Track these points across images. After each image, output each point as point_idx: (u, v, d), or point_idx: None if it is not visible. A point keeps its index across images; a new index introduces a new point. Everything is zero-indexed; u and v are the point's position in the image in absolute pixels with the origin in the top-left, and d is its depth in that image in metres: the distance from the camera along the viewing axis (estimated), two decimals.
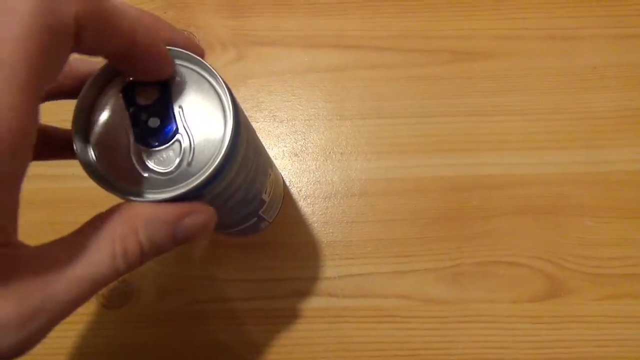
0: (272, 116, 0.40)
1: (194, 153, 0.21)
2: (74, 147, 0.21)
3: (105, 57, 0.19)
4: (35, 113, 0.16)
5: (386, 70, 0.41)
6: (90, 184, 0.20)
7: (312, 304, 0.36)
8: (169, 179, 0.21)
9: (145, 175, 0.21)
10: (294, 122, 0.40)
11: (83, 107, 0.21)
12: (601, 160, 0.38)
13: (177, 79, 0.22)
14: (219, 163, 0.21)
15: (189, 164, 0.21)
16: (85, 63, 0.22)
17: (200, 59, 0.22)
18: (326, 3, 0.42)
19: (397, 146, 0.39)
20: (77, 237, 0.18)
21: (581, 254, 0.36)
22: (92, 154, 0.21)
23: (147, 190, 0.21)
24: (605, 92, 0.39)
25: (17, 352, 0.17)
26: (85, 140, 0.21)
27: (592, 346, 0.35)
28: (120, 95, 0.22)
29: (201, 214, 0.21)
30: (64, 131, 0.23)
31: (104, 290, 0.37)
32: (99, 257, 0.18)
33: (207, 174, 0.20)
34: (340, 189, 0.38)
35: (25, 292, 0.16)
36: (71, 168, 0.38)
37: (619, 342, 0.35)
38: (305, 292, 0.37)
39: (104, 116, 0.22)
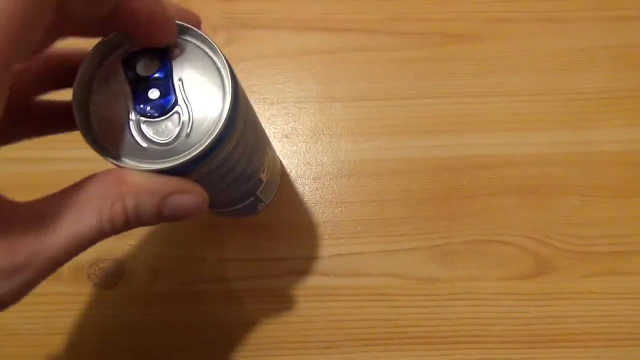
0: (263, 98, 0.40)
1: (192, 124, 0.21)
2: (75, 117, 0.21)
3: (100, 21, 0.19)
4: (6, 73, 0.16)
5: (376, 53, 0.41)
6: (78, 166, 0.20)
7: (304, 283, 0.37)
8: (168, 150, 0.21)
9: (144, 145, 0.21)
10: (284, 105, 0.40)
11: (83, 78, 0.21)
12: (588, 141, 0.38)
13: (177, 51, 0.22)
14: (217, 134, 0.21)
15: (188, 135, 0.21)
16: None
17: (201, 32, 0.22)
18: None
19: (387, 127, 0.39)
20: (67, 195, 0.19)
21: (568, 232, 0.37)
22: (93, 123, 0.21)
23: (145, 160, 0.21)
24: (593, 73, 0.40)
25: (3, 303, 0.17)
26: (86, 110, 0.21)
27: (579, 322, 0.36)
28: (121, 66, 0.22)
29: (192, 195, 0.21)
30: (64, 104, 0.23)
31: (95, 269, 0.37)
32: (86, 217, 0.18)
33: (205, 144, 0.21)
34: (330, 170, 0.39)
35: (15, 245, 0.17)
36: (57, 151, 0.39)
37: (604, 317, 0.36)
38: (296, 272, 0.37)
39: (104, 87, 0.22)
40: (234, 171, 0.26)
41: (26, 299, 0.36)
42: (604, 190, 0.38)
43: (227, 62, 0.22)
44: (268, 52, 0.41)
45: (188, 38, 0.22)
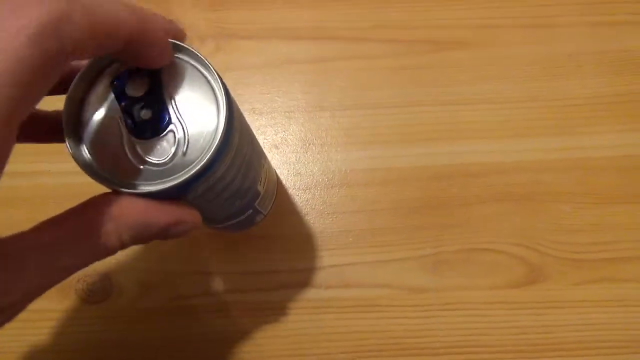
0: (252, 109, 0.40)
1: (188, 143, 0.21)
2: (66, 143, 0.20)
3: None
4: (11, 141, 0.15)
5: (365, 61, 0.41)
6: (70, 179, 0.20)
7: (295, 295, 0.36)
8: (165, 170, 0.21)
9: (141, 167, 0.21)
10: (273, 115, 0.40)
11: (73, 100, 0.21)
12: (577, 147, 0.38)
13: (168, 69, 0.22)
14: (215, 149, 0.21)
15: (184, 153, 0.21)
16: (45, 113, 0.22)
17: (193, 49, 0.22)
18: None
19: (377, 136, 0.39)
20: (61, 226, 0.18)
21: (559, 239, 0.37)
22: (84, 148, 0.21)
23: (142, 182, 0.21)
24: (581, 79, 0.40)
25: None
26: (77, 134, 0.21)
27: (571, 330, 0.35)
28: (111, 88, 0.22)
29: (187, 223, 0.21)
30: (55, 114, 0.23)
31: (83, 285, 0.36)
32: (80, 250, 0.18)
33: (204, 161, 0.20)
34: (320, 180, 0.39)
35: (14, 281, 0.17)
36: (49, 164, 0.38)
37: (597, 326, 0.35)
38: (287, 284, 0.37)
39: (95, 109, 0.21)
40: (232, 185, 0.25)
41: None
42: (594, 196, 0.38)
43: (220, 77, 0.22)
44: (256, 61, 0.41)
45: (179, 55, 0.22)
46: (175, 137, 0.21)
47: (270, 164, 0.36)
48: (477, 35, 0.41)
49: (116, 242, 0.19)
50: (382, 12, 0.42)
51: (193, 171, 0.20)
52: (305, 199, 0.38)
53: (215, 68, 0.22)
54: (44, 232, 0.18)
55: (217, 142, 0.21)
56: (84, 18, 0.16)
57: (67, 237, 0.18)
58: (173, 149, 0.21)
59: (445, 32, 0.41)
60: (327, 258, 0.37)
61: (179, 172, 0.21)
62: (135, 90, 0.21)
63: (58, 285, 0.36)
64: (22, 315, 0.36)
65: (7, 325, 0.35)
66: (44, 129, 0.23)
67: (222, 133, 0.21)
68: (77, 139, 0.21)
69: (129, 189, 0.20)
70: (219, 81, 0.21)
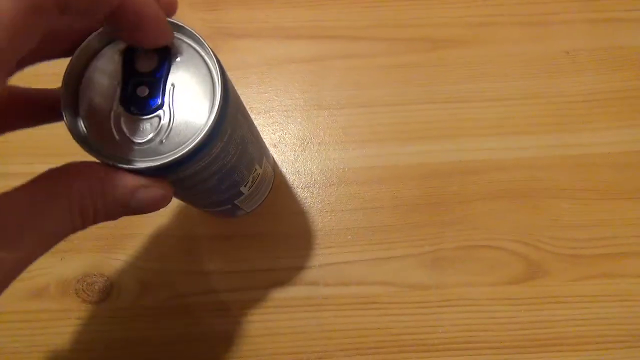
0: (249, 108, 0.40)
1: (170, 132, 0.21)
2: (63, 115, 0.21)
3: (98, 21, 0.20)
4: (31, 30, 0.16)
5: (363, 60, 0.41)
6: None
7: (294, 293, 0.36)
8: (137, 150, 0.21)
9: (117, 138, 0.21)
10: (271, 114, 0.40)
11: (72, 74, 0.21)
12: (575, 144, 0.39)
13: (179, 57, 0.22)
14: (187, 152, 0.20)
15: (161, 142, 0.21)
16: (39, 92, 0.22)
17: (209, 47, 0.22)
18: None
19: (375, 134, 0.39)
20: (36, 189, 0.18)
21: (558, 235, 0.37)
22: (80, 119, 0.21)
23: (114, 155, 0.21)
24: (578, 76, 0.40)
25: None
26: (74, 106, 0.21)
27: (571, 326, 0.35)
28: (120, 56, 0.22)
29: (157, 189, 0.21)
30: (51, 93, 0.23)
31: (83, 285, 0.36)
32: (57, 213, 0.18)
33: (172, 158, 0.20)
34: (319, 178, 0.39)
35: None
36: (45, 165, 0.38)
37: (596, 320, 0.35)
38: (286, 282, 0.37)
39: (97, 73, 0.22)
40: (206, 184, 0.25)
41: (13, 317, 0.36)
42: (592, 192, 0.38)
43: (224, 82, 0.22)
44: (253, 61, 0.41)
45: (194, 46, 0.22)
46: (159, 122, 0.21)
47: (270, 169, 0.36)
48: (474, 33, 0.41)
49: (90, 207, 0.19)
50: (378, 10, 0.42)
51: (159, 163, 0.20)
52: (304, 197, 0.38)
53: (225, 73, 0.22)
54: (22, 194, 0.18)
55: (193, 144, 0.21)
56: None
57: (46, 201, 0.18)
58: (152, 134, 0.21)
59: (442, 30, 0.41)
60: (326, 256, 0.37)
61: (148, 158, 0.21)
62: (143, 65, 0.22)
63: (58, 286, 0.36)
64: (20, 316, 0.36)
65: (7, 326, 0.35)
66: (43, 108, 0.23)
67: (202, 137, 0.21)
68: (74, 111, 0.21)
69: (98, 155, 0.21)
70: (221, 87, 0.21)
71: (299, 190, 0.38)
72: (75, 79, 0.21)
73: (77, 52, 0.21)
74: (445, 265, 0.37)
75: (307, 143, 0.39)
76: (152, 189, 0.21)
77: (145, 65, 0.22)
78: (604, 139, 0.39)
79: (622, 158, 0.38)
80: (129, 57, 0.22)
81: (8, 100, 0.22)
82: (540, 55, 0.41)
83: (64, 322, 0.36)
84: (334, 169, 0.39)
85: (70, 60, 0.21)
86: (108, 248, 0.37)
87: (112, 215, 0.21)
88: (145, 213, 0.21)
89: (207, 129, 0.21)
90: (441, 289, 0.36)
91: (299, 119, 0.40)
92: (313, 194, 0.38)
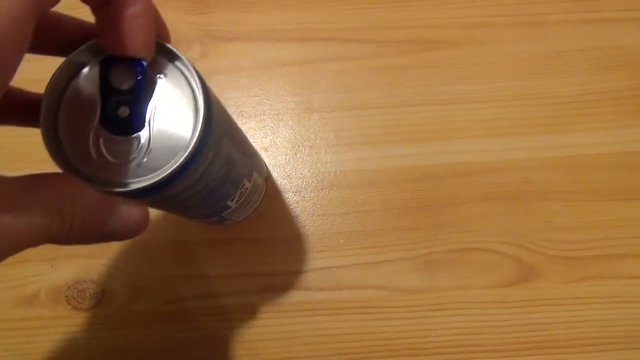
0: (240, 112, 0.40)
1: (148, 155, 0.21)
2: (41, 114, 0.20)
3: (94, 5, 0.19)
4: (30, 24, 0.16)
5: (353, 62, 0.41)
6: None
7: (286, 298, 0.36)
8: (114, 171, 0.20)
9: (94, 157, 0.21)
10: (262, 117, 0.40)
11: (56, 85, 0.21)
12: (567, 145, 0.38)
13: (163, 77, 0.21)
14: (164, 177, 0.20)
15: (139, 165, 0.20)
16: (76, 21, 0.22)
17: (193, 69, 0.21)
18: None
19: (366, 137, 0.39)
20: (13, 181, 0.17)
21: (550, 237, 0.37)
22: (56, 119, 0.21)
23: (90, 175, 0.20)
24: (569, 76, 0.40)
25: None
26: (55, 105, 0.21)
27: (564, 328, 0.35)
28: (98, 69, 0.21)
29: (137, 208, 0.21)
30: (34, 95, 0.22)
31: (74, 292, 0.36)
32: (32, 207, 0.17)
33: (149, 182, 0.20)
34: (310, 182, 0.38)
35: None
36: (36, 172, 0.38)
37: (590, 322, 0.35)
38: (278, 287, 0.36)
39: (78, 90, 0.21)
40: (189, 201, 0.25)
41: (3, 325, 0.36)
42: (585, 194, 0.38)
43: (208, 106, 0.21)
44: (244, 64, 0.41)
45: (179, 65, 0.21)
46: (139, 144, 0.21)
47: (260, 181, 0.35)
48: (465, 34, 0.41)
49: (69, 216, 0.18)
50: (368, 12, 0.42)
51: (135, 187, 0.20)
52: (296, 201, 0.38)
53: (210, 97, 0.21)
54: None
55: (168, 172, 0.20)
56: None
57: (25, 200, 0.17)
58: (131, 156, 0.21)
59: (432, 32, 0.41)
60: (318, 260, 0.37)
61: (125, 180, 0.20)
62: (119, 82, 0.21)
63: (48, 293, 0.36)
64: (10, 324, 0.36)
65: None
66: (26, 109, 0.22)
67: (178, 166, 0.20)
68: (53, 128, 0.21)
69: (72, 173, 0.20)
70: (203, 113, 0.21)
71: (290, 194, 0.38)
72: (57, 94, 0.21)
73: (59, 67, 0.21)
74: (438, 269, 0.36)
75: (299, 146, 0.39)
76: (132, 207, 0.20)
77: (121, 81, 0.21)
78: (596, 140, 0.39)
79: (614, 159, 0.38)
80: (106, 72, 0.21)
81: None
82: (532, 56, 0.41)
83: (55, 330, 0.36)
84: (325, 172, 0.38)
85: (52, 76, 0.21)
86: (98, 254, 0.37)
87: (88, 228, 0.19)
88: (122, 237, 0.21)
89: (186, 154, 0.20)
90: (434, 292, 0.36)
91: (290, 123, 0.40)
92: (305, 197, 0.38)
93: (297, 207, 0.38)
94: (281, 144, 0.39)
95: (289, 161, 0.39)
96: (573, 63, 0.40)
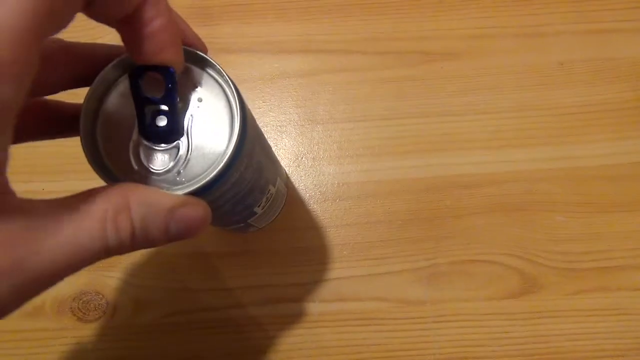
0: None
1: (187, 164, 0.21)
2: (80, 126, 0.21)
3: (114, 23, 0.19)
4: (34, 55, 0.15)
5: (356, 73, 0.41)
6: None
7: (289, 310, 0.36)
8: (155, 180, 0.21)
9: (136, 168, 0.21)
10: (265, 129, 0.40)
11: (94, 97, 0.21)
12: (569, 156, 0.38)
13: (199, 87, 0.22)
14: (204, 184, 0.20)
15: (179, 173, 0.21)
16: (101, 47, 0.22)
17: (229, 79, 0.22)
18: (293, 8, 0.42)
19: (368, 149, 0.39)
20: (68, 201, 0.17)
21: (553, 249, 0.37)
22: (95, 135, 0.21)
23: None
24: (572, 87, 0.40)
25: None
26: (93, 118, 0.21)
27: (567, 340, 0.35)
28: (129, 81, 0.21)
29: (198, 207, 0.20)
30: (72, 106, 0.22)
31: (79, 304, 0.36)
32: (89, 226, 0.17)
33: (189, 190, 0.20)
34: (313, 194, 0.39)
35: (3, 245, 0.15)
36: (43, 183, 0.38)
37: (593, 335, 0.35)
38: (281, 299, 0.37)
39: (114, 103, 0.22)
40: (221, 209, 0.25)
41: (8, 336, 0.36)
42: (587, 205, 0.38)
43: (243, 114, 0.21)
44: (247, 76, 0.41)
45: (211, 72, 0.22)
46: (178, 153, 0.21)
47: (283, 187, 0.36)
48: (467, 45, 0.41)
49: (127, 223, 0.18)
50: (371, 24, 0.42)
51: (179, 192, 0.20)
52: (299, 213, 0.38)
53: (245, 106, 0.22)
54: (56, 202, 0.17)
55: (208, 178, 0.20)
56: None
57: (79, 210, 0.17)
58: (171, 164, 0.21)
59: (435, 43, 0.41)
60: (321, 272, 0.37)
61: (169, 187, 0.21)
62: (151, 92, 0.21)
63: (53, 304, 0.36)
64: (15, 335, 0.36)
65: (2, 345, 0.35)
66: (66, 121, 0.22)
67: (216, 172, 0.21)
68: (93, 140, 0.21)
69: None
70: (240, 120, 0.21)
71: (293, 206, 0.38)
72: (93, 109, 0.21)
73: (94, 82, 0.21)
74: (441, 280, 0.37)
75: (302, 158, 0.39)
76: (191, 207, 0.20)
77: (153, 91, 0.21)
78: (598, 151, 0.39)
79: (617, 170, 0.38)
80: (137, 83, 0.21)
81: (30, 108, 0.21)
82: (534, 67, 0.41)
83: (60, 341, 0.36)
84: (328, 184, 0.39)
85: (89, 91, 0.21)
86: (103, 266, 0.37)
87: (152, 236, 0.19)
88: (185, 237, 0.20)
89: (224, 161, 0.21)
90: (437, 304, 0.36)
91: (293, 134, 0.40)
92: (308, 209, 0.38)
93: (300, 219, 0.38)
94: (284, 155, 0.39)
95: (292, 173, 0.39)
96: (575, 74, 0.40)
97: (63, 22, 0.16)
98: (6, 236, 0.15)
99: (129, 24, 0.19)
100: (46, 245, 0.15)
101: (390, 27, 0.42)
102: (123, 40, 0.20)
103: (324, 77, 0.41)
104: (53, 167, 0.38)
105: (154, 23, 0.19)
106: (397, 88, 0.40)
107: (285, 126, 0.40)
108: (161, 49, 0.20)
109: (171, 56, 0.20)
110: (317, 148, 0.39)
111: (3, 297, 0.15)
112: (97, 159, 0.21)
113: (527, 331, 0.36)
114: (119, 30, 0.20)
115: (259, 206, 0.31)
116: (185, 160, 0.21)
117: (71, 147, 0.22)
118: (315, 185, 0.39)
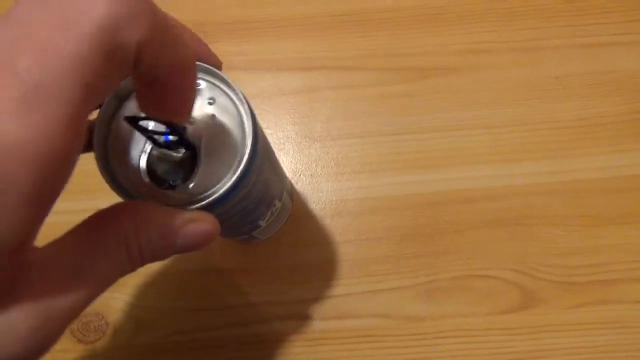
0: None
1: (197, 178, 0.21)
2: (94, 139, 0.21)
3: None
4: (80, 137, 0.15)
5: (354, 90, 0.41)
6: (71, 218, 0.19)
7: (289, 327, 0.36)
8: (165, 194, 0.21)
9: (146, 181, 0.21)
10: None
11: (107, 108, 0.22)
12: (567, 170, 0.39)
13: (210, 101, 0.22)
14: (212, 199, 0.21)
15: (189, 187, 0.21)
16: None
17: (243, 97, 0.22)
18: (291, 26, 0.42)
19: (366, 165, 0.39)
20: (85, 233, 0.18)
21: (552, 263, 0.37)
22: (108, 150, 0.22)
23: (144, 198, 0.21)
24: (568, 101, 0.40)
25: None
26: (106, 132, 0.22)
27: (568, 354, 0.35)
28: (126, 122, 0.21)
29: (205, 224, 0.21)
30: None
31: (78, 325, 0.36)
32: (106, 257, 0.18)
33: (198, 204, 0.21)
34: (312, 211, 0.39)
35: (36, 301, 0.16)
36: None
37: (593, 348, 0.35)
38: (281, 316, 0.37)
39: (124, 119, 0.22)
40: (228, 222, 0.25)
41: None
42: (585, 218, 0.38)
43: (255, 136, 0.22)
44: (245, 93, 0.41)
45: (225, 89, 0.22)
46: (188, 167, 0.22)
47: (288, 201, 0.36)
48: (464, 60, 0.41)
49: (137, 250, 0.19)
50: (368, 41, 0.42)
51: (192, 207, 0.21)
52: (297, 230, 0.38)
53: (255, 120, 0.22)
54: (70, 245, 0.18)
55: (216, 195, 0.21)
56: (151, 21, 0.15)
57: (94, 250, 0.18)
58: (182, 178, 0.22)
59: (432, 59, 0.42)
60: (321, 289, 0.37)
61: (181, 201, 0.21)
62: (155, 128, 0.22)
63: None
64: None
65: None
66: None
67: (228, 188, 0.21)
68: (105, 154, 0.22)
69: (129, 197, 0.21)
70: (250, 147, 0.21)
71: (291, 223, 0.38)
72: (105, 124, 0.22)
73: (106, 99, 0.21)
74: (441, 296, 0.37)
75: (300, 175, 0.39)
76: (198, 224, 0.20)
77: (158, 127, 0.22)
78: (595, 165, 0.39)
79: (614, 183, 0.38)
80: (140, 126, 0.21)
81: None
82: (531, 81, 0.41)
83: None
84: (326, 201, 0.39)
85: (100, 107, 0.21)
86: None
87: (160, 255, 0.20)
88: (194, 250, 0.21)
89: (234, 177, 0.21)
90: (437, 320, 0.36)
91: (290, 152, 0.40)
92: (306, 227, 0.38)
93: (298, 236, 0.38)
94: None
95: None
96: (571, 88, 0.41)
97: (105, 95, 0.16)
98: (35, 295, 0.16)
99: (149, 82, 0.18)
100: (70, 289, 0.17)
101: (387, 44, 0.42)
102: (136, 89, 0.19)
103: (321, 94, 0.41)
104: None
105: (177, 90, 0.18)
106: (395, 104, 0.40)
107: (283, 143, 0.40)
108: (175, 114, 0.20)
109: (182, 119, 0.20)
110: (315, 165, 0.40)
111: (41, 346, 0.16)
112: (109, 173, 0.21)
113: (527, 346, 0.36)
114: (135, 79, 0.19)
115: (263, 220, 0.31)
116: (195, 174, 0.21)
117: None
118: (314, 202, 0.39)
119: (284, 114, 0.41)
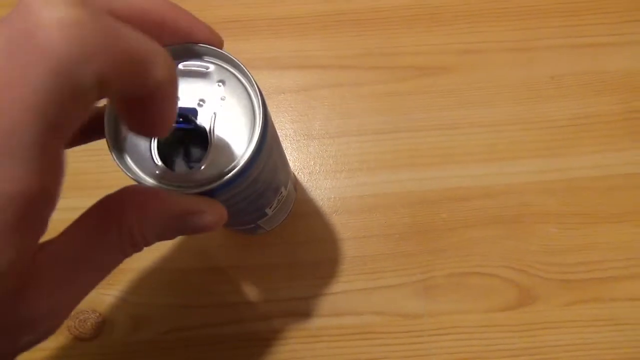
0: None
1: (207, 161, 0.22)
2: (106, 139, 0.21)
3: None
4: (53, 172, 0.15)
5: (351, 88, 0.41)
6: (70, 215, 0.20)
7: (286, 324, 0.36)
8: (175, 176, 0.22)
9: (158, 164, 0.22)
10: None
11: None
12: (562, 168, 0.39)
13: (224, 86, 0.22)
14: (221, 182, 0.21)
15: (199, 170, 0.22)
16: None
17: (254, 80, 0.22)
18: (288, 24, 0.43)
19: (364, 163, 0.39)
20: (88, 222, 0.19)
21: (548, 260, 0.37)
22: (120, 135, 0.22)
23: (155, 179, 0.21)
24: (563, 100, 0.41)
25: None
26: (117, 117, 0.22)
27: (564, 351, 0.36)
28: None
29: (209, 215, 0.21)
30: (95, 109, 0.22)
31: (75, 322, 0.36)
32: (109, 245, 0.19)
33: (206, 187, 0.21)
34: (310, 209, 0.39)
35: (47, 295, 0.17)
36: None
37: (589, 345, 0.36)
38: (278, 314, 0.37)
39: None
40: (235, 206, 0.25)
41: None
42: (581, 216, 0.38)
43: (265, 118, 0.22)
44: None
45: (234, 71, 0.22)
46: (198, 150, 0.22)
47: (293, 190, 0.36)
48: (460, 60, 0.42)
49: (140, 237, 0.19)
50: (365, 39, 0.42)
51: (197, 190, 0.21)
52: (295, 228, 0.38)
53: (264, 101, 0.22)
54: (76, 236, 0.19)
55: (229, 176, 0.21)
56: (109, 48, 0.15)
57: (98, 240, 0.19)
58: (192, 161, 0.22)
59: (428, 58, 0.42)
60: (318, 286, 0.37)
61: (190, 184, 0.21)
62: None
63: None
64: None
65: None
66: (87, 127, 0.22)
67: (237, 170, 0.21)
68: (117, 139, 0.22)
69: (142, 181, 0.21)
70: (261, 122, 0.21)
71: (289, 220, 0.38)
72: (115, 117, 0.22)
73: None
74: (438, 293, 0.37)
75: (298, 173, 0.40)
76: (203, 216, 0.21)
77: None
78: (590, 163, 0.39)
79: (609, 181, 0.39)
80: None
81: None
82: (526, 81, 0.41)
83: None
84: (324, 198, 0.39)
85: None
86: (100, 284, 0.37)
87: (164, 238, 0.21)
88: (199, 233, 0.22)
89: (244, 160, 0.21)
90: (434, 317, 0.36)
91: (289, 150, 0.40)
92: (304, 224, 0.38)
93: (296, 233, 0.38)
94: None
95: None
96: (566, 87, 0.41)
97: (73, 129, 0.16)
98: (48, 290, 0.17)
99: (126, 103, 0.18)
100: (74, 278, 0.18)
101: (384, 43, 0.42)
102: (117, 110, 0.19)
103: (319, 93, 0.41)
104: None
105: (154, 109, 0.18)
106: (392, 102, 0.41)
107: (282, 141, 0.40)
108: (154, 130, 0.19)
109: (162, 134, 0.19)
110: (313, 163, 0.40)
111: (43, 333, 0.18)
112: (120, 156, 0.22)
113: (524, 343, 0.36)
114: (111, 102, 0.20)
115: (270, 207, 0.31)
116: (207, 156, 0.22)
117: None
118: (312, 200, 0.39)
119: (282, 113, 0.41)
